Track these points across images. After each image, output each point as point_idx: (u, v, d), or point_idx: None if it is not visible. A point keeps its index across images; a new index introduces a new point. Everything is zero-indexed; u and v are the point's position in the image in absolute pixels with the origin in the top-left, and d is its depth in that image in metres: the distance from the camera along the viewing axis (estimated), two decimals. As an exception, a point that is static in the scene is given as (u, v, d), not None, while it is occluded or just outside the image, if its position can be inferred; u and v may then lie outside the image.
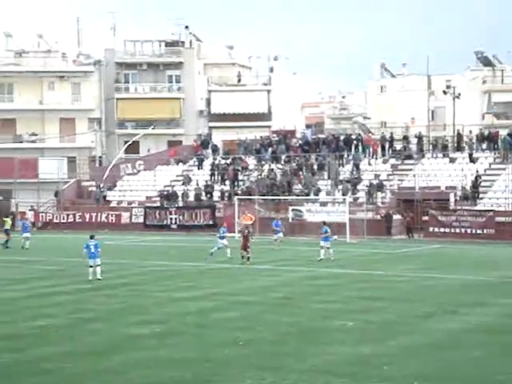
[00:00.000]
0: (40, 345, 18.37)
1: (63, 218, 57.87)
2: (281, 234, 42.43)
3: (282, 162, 59.89)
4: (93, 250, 28.87)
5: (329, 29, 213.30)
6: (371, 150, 58.93)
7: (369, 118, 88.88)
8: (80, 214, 57.22)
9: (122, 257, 37.29)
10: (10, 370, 16.03)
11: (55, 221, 57.77)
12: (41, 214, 58.47)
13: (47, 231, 54.94)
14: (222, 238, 36.32)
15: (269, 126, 71.79)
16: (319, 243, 36.39)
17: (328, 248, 35.93)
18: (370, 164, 57.70)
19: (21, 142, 69.30)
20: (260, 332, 19.36)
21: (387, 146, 58.87)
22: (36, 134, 69.91)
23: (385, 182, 54.32)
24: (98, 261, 29.01)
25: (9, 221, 45.17)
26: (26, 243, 42.37)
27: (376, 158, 58.26)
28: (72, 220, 57.44)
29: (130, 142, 52.88)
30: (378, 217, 50.52)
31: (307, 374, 15.27)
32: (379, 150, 58.93)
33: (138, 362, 16.57)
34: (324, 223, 38.06)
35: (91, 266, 28.94)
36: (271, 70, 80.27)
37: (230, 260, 35.33)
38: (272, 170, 58.07)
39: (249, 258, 34.42)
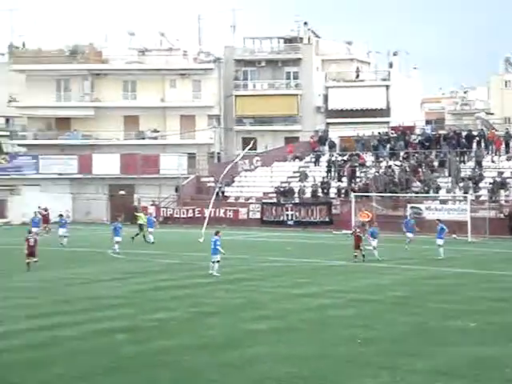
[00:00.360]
0: (159, 338, 18.74)
1: (183, 213, 59.00)
2: (411, 234, 40.77)
3: (401, 159, 58.95)
4: (214, 246, 29.10)
5: (449, 23, 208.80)
6: (494, 146, 57.23)
7: (492, 114, 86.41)
8: (199, 209, 58.17)
9: (240, 252, 37.62)
10: (131, 362, 16.43)
11: (175, 216, 58.97)
12: (162, 209, 59.80)
13: (168, 226, 56.10)
14: (374, 238, 35.38)
15: (387, 122, 70.84)
16: (436, 242, 35.71)
17: (439, 246, 35.21)
18: (492, 161, 56.05)
19: (143, 139, 71.07)
20: (378, 330, 19.12)
21: (512, 142, 57.08)
22: (158, 131, 71.48)
23: (508, 180, 52.64)
24: (218, 257, 29.27)
25: (142, 216, 46.12)
26: (150, 237, 43.40)
27: (499, 155, 56.53)
28: (191, 215, 58.49)
29: (249, 146, 53.15)
30: (501, 215, 49.01)
31: (426, 374, 14.97)
32: (503, 146, 57.16)
33: (255, 357, 16.65)
34: (439, 221, 37.27)
35: (214, 262, 29.13)
36: (390, 65, 79.16)
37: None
38: (390, 166, 57.27)
39: (363, 255, 33.88)
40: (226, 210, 57.71)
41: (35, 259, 31.77)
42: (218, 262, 29.29)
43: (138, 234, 44.12)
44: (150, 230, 43.91)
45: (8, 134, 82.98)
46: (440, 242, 35.42)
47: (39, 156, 63.88)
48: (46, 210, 51.46)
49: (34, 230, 42.58)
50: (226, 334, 19.11)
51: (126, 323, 20.42)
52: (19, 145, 76.13)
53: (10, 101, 76.81)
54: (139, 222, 45.26)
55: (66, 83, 72.05)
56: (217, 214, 57.06)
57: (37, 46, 73.68)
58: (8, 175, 62.32)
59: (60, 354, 17.07)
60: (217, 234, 29.62)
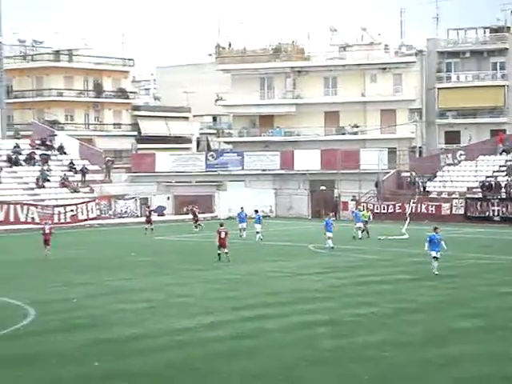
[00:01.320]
0: (360, 332, 18.77)
1: (383, 209, 58.59)
2: None
3: None
4: (436, 242, 28.18)
5: None
6: None
7: None
8: (399, 204, 57.51)
9: (443, 249, 36.80)
10: (331, 356, 16.59)
11: (376, 211, 58.65)
12: (362, 205, 59.69)
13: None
14: None
15: None
16: None
17: None
18: None
19: (343, 134, 71.25)
20: None
21: None
22: (358, 126, 71.46)
23: None
24: (439, 254, 28.28)
25: (366, 213, 45.85)
26: (358, 233, 42.90)
27: None
28: (392, 210, 57.93)
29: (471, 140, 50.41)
30: None
31: None
32: None
33: (459, 355, 16.30)
34: None
35: (435, 258, 28.14)
36: None
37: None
38: None
39: None
40: (428, 205, 56.67)
41: (226, 250, 32.90)
42: (436, 259, 28.24)
43: (363, 231, 43.44)
44: (359, 225, 43.36)
45: (215, 131, 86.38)
46: None
47: (244, 153, 65.84)
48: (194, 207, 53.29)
49: (241, 225, 44.05)
50: (428, 331, 18.82)
51: (328, 317, 20.62)
52: (225, 142, 78.92)
53: (217, 100, 79.81)
54: (364, 219, 44.19)
55: (269, 81, 73.73)
56: (418, 210, 56.19)
57: (242, 46, 75.99)
58: (215, 171, 64.74)
59: (264, 345, 17.55)
60: (435, 230, 28.68)
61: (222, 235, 33.21)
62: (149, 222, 48.92)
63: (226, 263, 32.12)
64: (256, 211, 44.69)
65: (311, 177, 62.70)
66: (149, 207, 54.93)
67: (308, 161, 63.26)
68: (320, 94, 72.23)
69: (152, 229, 47.98)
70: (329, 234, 37.52)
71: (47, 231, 36.28)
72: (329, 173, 62.16)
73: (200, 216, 52.12)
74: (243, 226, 43.89)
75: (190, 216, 53.31)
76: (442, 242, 28.31)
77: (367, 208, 53.60)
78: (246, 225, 43.94)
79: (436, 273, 27.83)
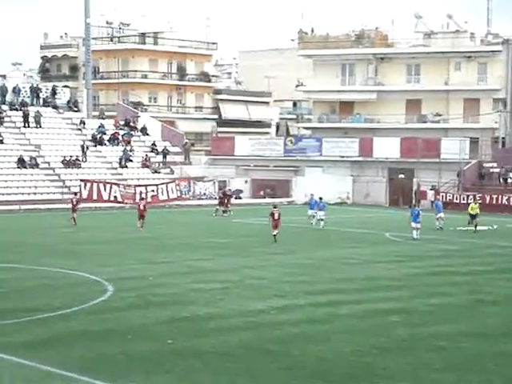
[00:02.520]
0: (434, 322, 18.64)
1: (463, 199, 57.67)
2: None
3: None
4: None
5: None
6: None
7: None
8: (480, 195, 56.54)
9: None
10: (404, 344, 16.55)
11: (455, 201, 57.80)
12: (441, 194, 58.90)
13: (447, 211, 55.07)
14: None
15: None
16: None
17: None
18: None
19: (425, 122, 70.32)
20: None
21: None
22: (440, 115, 70.40)
23: None
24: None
25: (474, 205, 42.79)
26: (440, 222, 41.86)
27: None
28: (472, 201, 56.85)
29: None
30: None
31: None
32: None
33: (534, 350, 16.09)
34: None
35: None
36: None
37: None
38: None
39: None
40: (510, 197, 55.54)
41: (276, 231, 33.69)
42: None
43: (470, 223, 42.01)
44: (440, 215, 42.44)
45: (295, 117, 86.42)
46: None
47: (323, 139, 65.68)
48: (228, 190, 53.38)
49: (310, 212, 42.94)
50: (505, 324, 18.58)
51: (401, 305, 20.54)
52: (305, 128, 78.88)
53: (298, 85, 79.77)
54: (471, 212, 42.62)
55: (350, 67, 73.30)
56: (498, 202, 55.20)
57: (325, 31, 75.73)
58: (294, 156, 64.78)
59: (336, 331, 17.62)
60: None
61: (276, 216, 33.87)
62: (222, 204, 49.24)
63: (304, 248, 32.25)
64: (320, 198, 43.12)
65: (390, 165, 62.14)
66: (221, 189, 55.37)
67: (387, 148, 62.67)
68: (402, 82, 71.47)
69: (224, 211, 48.30)
70: (415, 225, 36.42)
71: (142, 208, 39.04)
72: (408, 161, 61.48)
73: (278, 200, 51.87)
74: (313, 213, 42.71)
75: (219, 199, 51.01)
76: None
77: (474, 198, 50.57)
78: (315, 212, 42.40)
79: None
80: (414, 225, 36.50)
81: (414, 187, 60.74)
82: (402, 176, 61.29)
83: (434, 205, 45.37)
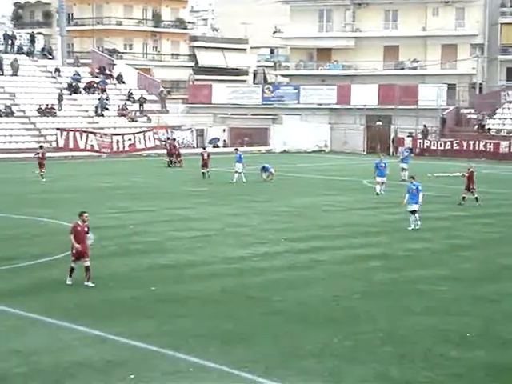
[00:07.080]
0: (413, 267, 18.92)
1: (440, 145, 57.94)
2: None
3: None
4: None
5: None
6: None
7: None
8: (457, 141, 56.83)
9: (498, 186, 36.49)
10: (384, 288, 16.78)
11: (432, 148, 58.07)
12: (418, 141, 59.11)
13: (424, 157, 55.40)
14: None
15: None
16: None
17: None
18: None
19: (402, 69, 70.17)
20: None
21: None
22: (417, 61, 70.23)
23: None
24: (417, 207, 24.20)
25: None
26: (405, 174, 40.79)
27: None
28: (449, 147, 57.27)
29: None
30: None
31: None
32: None
33: (511, 292, 16.37)
34: None
35: (413, 212, 24.11)
36: None
37: None
38: None
39: None
40: (486, 143, 55.85)
41: (207, 169, 38.63)
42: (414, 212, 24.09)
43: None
44: (403, 165, 40.89)
45: (272, 64, 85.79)
46: None
47: (301, 86, 65.38)
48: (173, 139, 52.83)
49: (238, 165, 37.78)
50: (481, 268, 18.87)
51: (381, 251, 20.77)
52: (282, 75, 78.39)
53: (275, 32, 79.01)
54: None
55: (328, 14, 72.68)
56: (475, 148, 55.54)
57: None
58: (271, 104, 64.51)
59: (317, 277, 17.81)
60: (413, 178, 25.50)
61: (205, 156, 39.15)
62: (171, 154, 47.36)
63: (276, 198, 32.36)
64: (236, 149, 40.69)
65: (368, 112, 62.11)
66: (169, 138, 54.53)
67: (365, 96, 62.55)
68: (380, 28, 71.04)
69: (171, 161, 46.57)
70: (380, 179, 33.27)
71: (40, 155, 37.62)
72: (386, 108, 61.49)
73: (255, 149, 51.50)
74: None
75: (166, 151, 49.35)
76: (421, 194, 24.42)
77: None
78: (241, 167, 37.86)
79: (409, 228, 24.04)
80: (379, 179, 33.26)
81: (392, 134, 60.90)
82: (379, 123, 61.36)
83: (401, 152, 44.57)
